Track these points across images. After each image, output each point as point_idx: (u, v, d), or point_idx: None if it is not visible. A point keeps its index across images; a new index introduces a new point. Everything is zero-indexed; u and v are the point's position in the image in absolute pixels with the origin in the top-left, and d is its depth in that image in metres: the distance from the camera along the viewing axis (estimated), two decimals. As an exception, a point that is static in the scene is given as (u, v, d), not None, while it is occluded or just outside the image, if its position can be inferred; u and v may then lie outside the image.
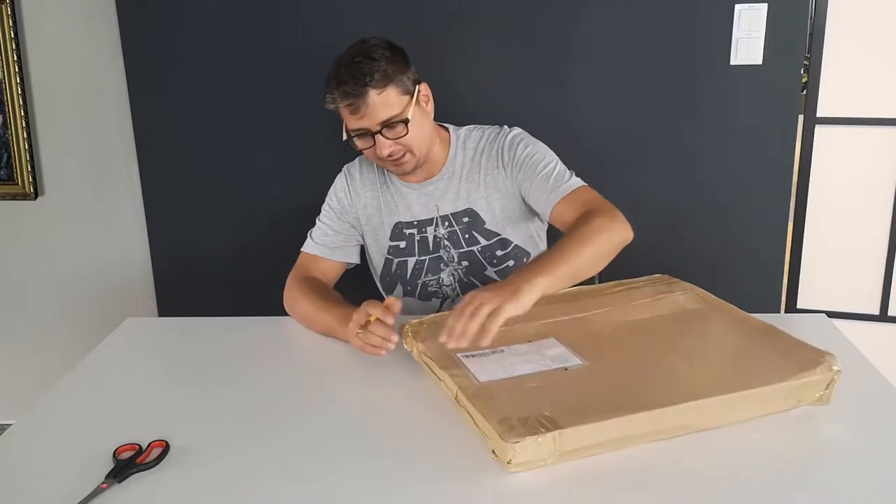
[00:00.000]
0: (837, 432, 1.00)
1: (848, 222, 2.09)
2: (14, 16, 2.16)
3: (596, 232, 1.25)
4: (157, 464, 0.97)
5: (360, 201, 1.57)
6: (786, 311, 2.15)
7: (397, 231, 1.55)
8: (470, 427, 1.00)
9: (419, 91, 1.42)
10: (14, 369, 2.49)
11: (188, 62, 2.04)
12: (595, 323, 1.23)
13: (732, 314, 1.24)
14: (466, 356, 1.11)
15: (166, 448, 1.00)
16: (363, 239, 1.59)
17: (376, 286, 1.65)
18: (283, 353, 1.35)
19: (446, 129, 1.57)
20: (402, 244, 1.55)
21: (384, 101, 1.36)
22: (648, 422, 0.95)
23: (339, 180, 1.59)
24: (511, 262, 1.54)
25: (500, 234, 1.52)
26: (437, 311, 1.55)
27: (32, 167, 2.27)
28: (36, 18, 2.18)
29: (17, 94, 2.21)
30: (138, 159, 2.14)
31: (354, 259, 1.59)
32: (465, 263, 1.54)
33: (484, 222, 1.52)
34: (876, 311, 2.13)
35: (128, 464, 0.96)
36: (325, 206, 1.59)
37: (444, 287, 1.56)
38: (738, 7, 1.85)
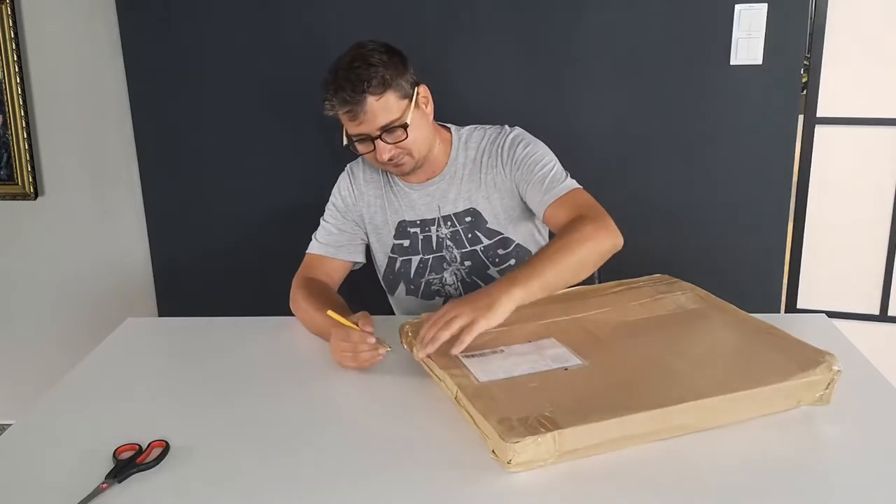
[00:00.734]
0: (837, 432, 1.00)
1: (848, 222, 2.09)
2: (14, 16, 2.16)
3: (581, 240, 1.26)
4: (157, 464, 0.97)
5: (363, 200, 1.57)
6: (786, 311, 2.15)
7: (401, 229, 1.55)
8: (470, 427, 1.00)
9: (418, 93, 1.42)
10: (14, 369, 2.49)
11: (188, 62, 2.04)
12: (595, 323, 1.23)
13: (733, 314, 1.24)
14: (466, 356, 1.11)
15: (166, 448, 1.00)
16: (367, 237, 1.59)
17: (379, 288, 1.65)
18: (284, 353, 1.35)
19: (448, 129, 1.57)
20: (406, 242, 1.55)
21: (383, 107, 1.36)
22: (648, 422, 0.95)
23: (343, 179, 1.59)
24: (513, 261, 1.54)
25: (502, 234, 1.53)
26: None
27: (32, 167, 2.27)
28: (36, 18, 2.18)
29: (17, 94, 2.21)
30: (138, 159, 2.14)
31: (360, 258, 1.58)
32: (467, 263, 1.54)
33: (486, 221, 1.52)
34: (876, 311, 2.13)
35: (128, 464, 0.96)
36: (328, 206, 1.59)
37: (446, 286, 1.56)
38: (738, 7, 1.85)
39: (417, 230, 1.54)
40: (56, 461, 1.01)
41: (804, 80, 1.99)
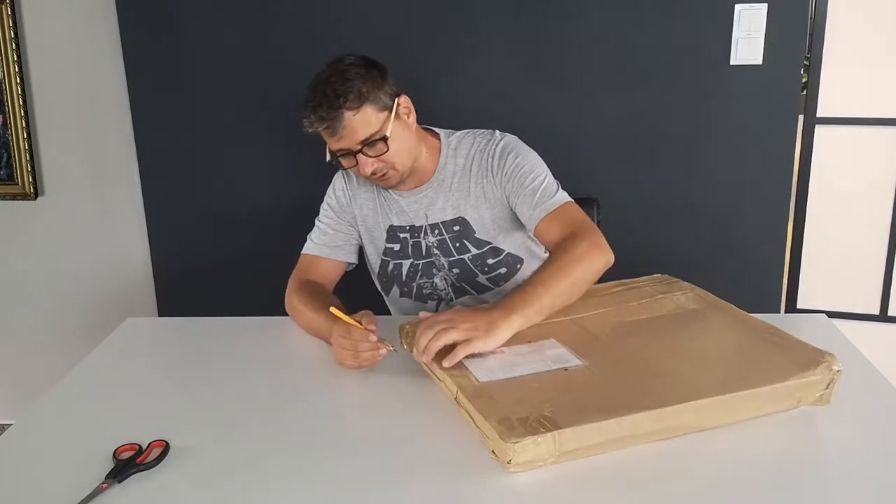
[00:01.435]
0: (837, 432, 1.00)
1: (848, 222, 2.09)
2: (14, 16, 2.16)
3: (575, 261, 1.26)
4: (157, 464, 0.97)
5: (356, 201, 1.57)
6: (786, 311, 2.15)
7: (392, 234, 1.55)
8: (470, 427, 1.00)
9: (398, 104, 1.41)
10: (14, 369, 2.49)
11: (188, 62, 2.04)
12: (595, 323, 1.23)
13: (732, 314, 1.24)
14: (466, 357, 1.11)
15: (166, 448, 1.00)
16: (360, 239, 1.59)
17: (374, 289, 1.65)
18: (283, 353, 1.35)
19: (436, 134, 1.55)
20: (397, 246, 1.55)
21: (361, 121, 1.35)
22: (648, 422, 0.95)
23: (338, 180, 1.59)
24: (503, 269, 1.53)
25: (490, 243, 1.51)
26: (435, 312, 1.55)
27: (32, 167, 2.27)
28: (36, 18, 2.18)
29: (17, 94, 2.21)
30: (138, 159, 2.14)
31: (354, 259, 1.58)
32: (455, 271, 1.53)
33: (474, 231, 1.51)
34: (876, 311, 2.13)
35: (128, 464, 0.96)
36: (323, 206, 1.59)
37: (438, 290, 1.56)
38: (738, 7, 1.85)
39: (407, 235, 1.54)
40: (56, 461, 1.01)
41: (804, 80, 1.99)
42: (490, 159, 1.49)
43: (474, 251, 1.51)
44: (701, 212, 2.01)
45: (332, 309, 1.25)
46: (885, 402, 1.08)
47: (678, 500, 0.87)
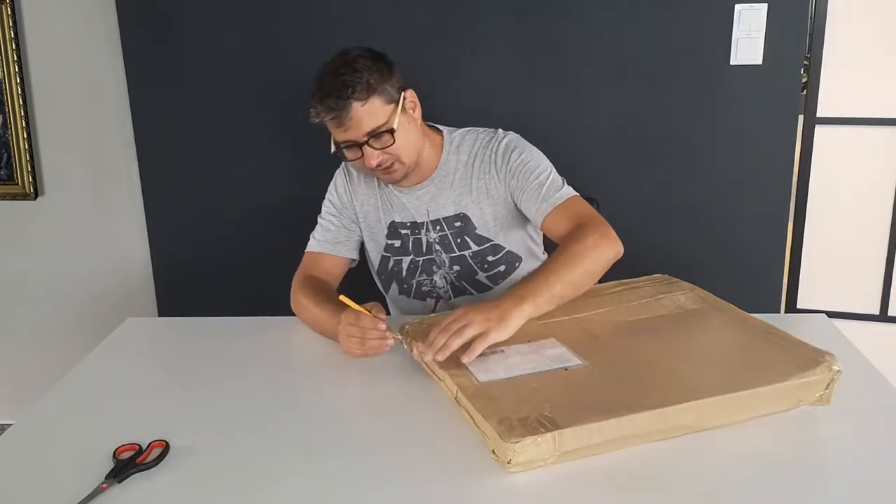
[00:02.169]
0: (837, 432, 1.00)
1: (848, 222, 2.09)
2: (14, 16, 2.16)
3: (585, 252, 1.26)
4: (157, 464, 0.97)
5: (357, 198, 1.57)
6: (786, 311, 2.15)
7: (393, 230, 1.55)
8: (470, 427, 1.00)
9: (405, 98, 1.41)
10: (14, 369, 2.49)
11: (188, 62, 2.04)
12: (595, 323, 1.23)
13: (733, 314, 1.24)
14: (466, 356, 1.12)
15: (166, 448, 1.00)
16: (362, 235, 1.59)
17: (377, 288, 1.65)
18: (283, 353, 1.35)
19: (439, 131, 1.55)
20: (398, 243, 1.55)
21: (368, 112, 1.35)
22: (648, 422, 0.95)
23: (339, 176, 1.59)
24: (502, 267, 1.53)
25: (491, 240, 1.52)
26: (433, 311, 1.56)
27: (32, 167, 2.27)
28: (36, 18, 2.18)
29: (17, 94, 2.21)
30: (138, 159, 2.14)
31: (356, 255, 1.59)
32: (456, 268, 1.53)
33: (475, 227, 1.51)
34: (876, 311, 2.13)
35: (128, 464, 0.96)
36: (325, 203, 1.59)
37: (437, 289, 1.56)
38: (738, 7, 1.85)
39: (408, 231, 1.54)
40: (56, 461, 1.01)
41: (804, 80, 1.99)
42: (493, 156, 1.49)
43: (475, 248, 1.52)
44: (701, 212, 2.01)
45: (342, 297, 1.26)
46: (885, 402, 1.08)
47: (678, 500, 0.87)
